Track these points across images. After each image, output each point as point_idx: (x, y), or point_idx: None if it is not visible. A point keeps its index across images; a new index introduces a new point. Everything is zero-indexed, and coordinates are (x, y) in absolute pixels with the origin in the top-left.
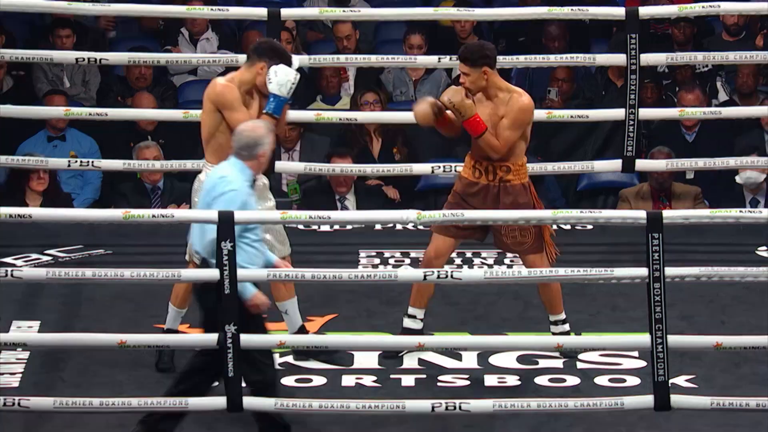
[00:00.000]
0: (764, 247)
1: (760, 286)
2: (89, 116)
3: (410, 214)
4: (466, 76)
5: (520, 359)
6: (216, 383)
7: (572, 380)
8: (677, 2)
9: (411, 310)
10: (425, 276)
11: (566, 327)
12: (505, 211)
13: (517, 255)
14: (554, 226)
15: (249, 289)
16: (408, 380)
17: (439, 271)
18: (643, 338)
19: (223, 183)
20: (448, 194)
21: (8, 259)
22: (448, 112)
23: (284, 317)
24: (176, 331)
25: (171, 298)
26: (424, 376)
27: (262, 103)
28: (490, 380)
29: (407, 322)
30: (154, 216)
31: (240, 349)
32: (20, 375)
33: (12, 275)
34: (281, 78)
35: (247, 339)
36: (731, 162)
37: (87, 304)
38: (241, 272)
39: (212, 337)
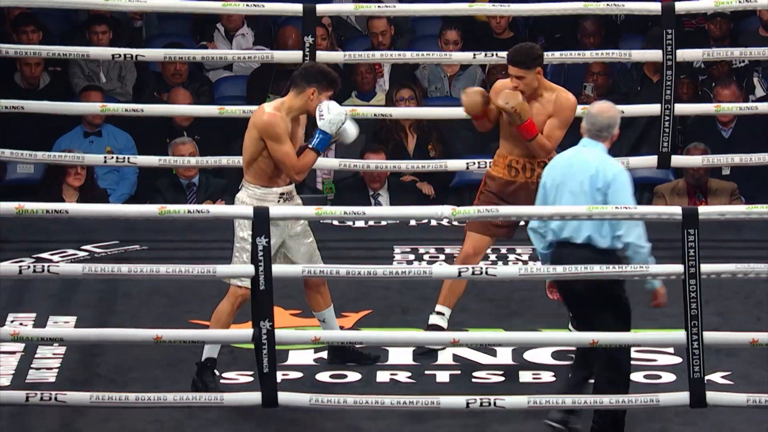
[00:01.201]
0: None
1: None
2: (125, 112)
3: (445, 210)
4: (520, 80)
5: (554, 355)
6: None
7: None
8: None
9: (440, 308)
10: (460, 272)
11: None
12: (541, 207)
13: None
14: None
15: (655, 282)
16: (443, 376)
17: (473, 268)
18: (679, 335)
19: (606, 166)
20: None
21: (45, 255)
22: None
23: (322, 326)
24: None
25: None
26: (459, 372)
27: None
28: (525, 376)
29: (435, 319)
30: (189, 212)
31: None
32: (57, 370)
33: (49, 271)
34: (334, 116)
35: (282, 335)
36: None
37: (123, 299)
38: (276, 268)
39: (246, 333)
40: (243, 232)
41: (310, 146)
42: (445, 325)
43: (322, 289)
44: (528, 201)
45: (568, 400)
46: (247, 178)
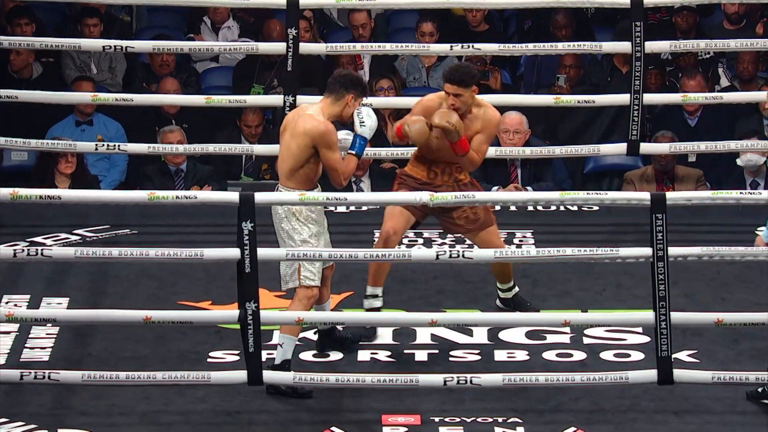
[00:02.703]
0: (763, 228)
1: (760, 265)
2: (116, 101)
3: (423, 196)
4: (457, 98)
5: (528, 335)
6: None
7: (579, 355)
8: None
9: (372, 290)
10: (438, 255)
11: (516, 289)
12: (513, 193)
13: (468, 235)
14: (561, 207)
15: None
16: (421, 355)
17: (451, 251)
18: (647, 315)
19: None
20: None
21: (38, 239)
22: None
23: None
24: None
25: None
26: (437, 351)
27: None
28: (500, 355)
29: (372, 303)
30: (177, 197)
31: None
32: (50, 349)
33: (42, 254)
34: (373, 123)
35: (267, 316)
36: (732, 145)
37: (113, 281)
38: (261, 252)
39: (233, 314)
40: (299, 235)
41: (353, 152)
42: (380, 304)
43: (329, 283)
44: None
45: (541, 377)
46: (290, 185)
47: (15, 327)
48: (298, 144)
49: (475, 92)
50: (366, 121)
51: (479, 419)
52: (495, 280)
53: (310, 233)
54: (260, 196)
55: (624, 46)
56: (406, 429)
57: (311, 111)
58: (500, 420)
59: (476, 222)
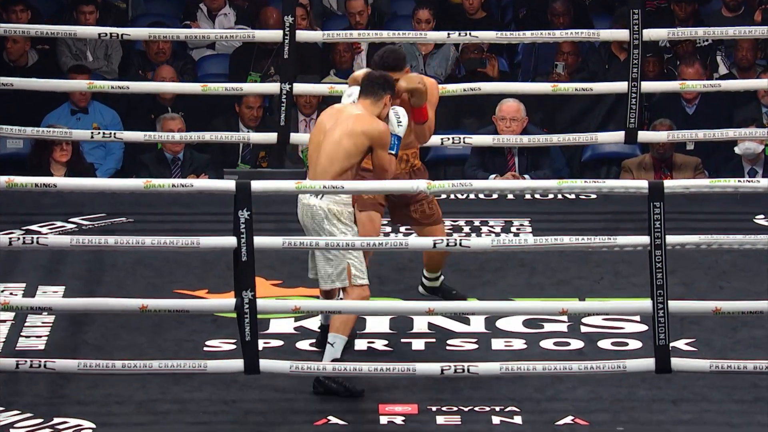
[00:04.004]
0: (762, 216)
1: (758, 253)
2: (111, 89)
3: (421, 184)
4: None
5: (525, 323)
6: None
7: (576, 344)
8: None
9: (431, 275)
10: (435, 244)
11: (442, 278)
12: (511, 181)
13: (417, 227)
14: (559, 196)
15: None
16: (418, 344)
17: (448, 239)
18: (645, 303)
19: None
20: (456, 165)
21: (34, 227)
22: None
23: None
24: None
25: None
26: (434, 340)
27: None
28: (497, 344)
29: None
30: (173, 185)
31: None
32: (46, 338)
33: (38, 242)
34: (406, 122)
35: (264, 304)
36: (730, 133)
37: (109, 270)
38: (257, 240)
39: (229, 302)
40: (343, 235)
41: (392, 152)
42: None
43: None
44: None
45: (539, 366)
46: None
47: (11, 315)
48: (356, 143)
49: (407, 73)
50: (402, 120)
51: (476, 408)
52: (425, 267)
53: (353, 234)
54: (257, 185)
55: (622, 34)
56: (403, 418)
57: (358, 111)
58: (497, 409)
59: (431, 217)
